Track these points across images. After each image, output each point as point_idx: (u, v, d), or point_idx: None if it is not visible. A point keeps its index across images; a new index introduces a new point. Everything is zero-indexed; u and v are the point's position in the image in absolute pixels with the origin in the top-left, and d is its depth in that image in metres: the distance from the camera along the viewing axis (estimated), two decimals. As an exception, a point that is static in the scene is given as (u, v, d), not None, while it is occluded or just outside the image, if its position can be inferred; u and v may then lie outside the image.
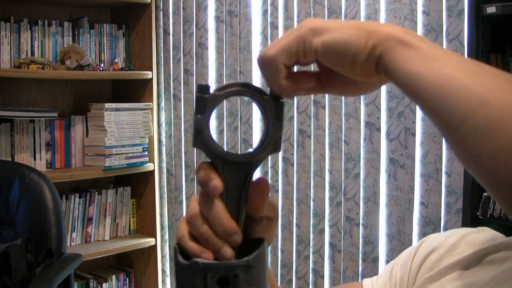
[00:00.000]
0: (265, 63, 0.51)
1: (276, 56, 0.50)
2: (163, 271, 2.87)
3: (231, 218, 0.51)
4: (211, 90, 0.52)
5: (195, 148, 2.66)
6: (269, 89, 0.53)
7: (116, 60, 2.71)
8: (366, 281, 0.81)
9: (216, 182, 0.51)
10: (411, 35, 0.49)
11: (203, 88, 0.52)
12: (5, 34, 2.42)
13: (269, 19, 2.34)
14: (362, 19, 2.04)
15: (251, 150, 0.52)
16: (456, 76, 0.45)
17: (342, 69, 0.51)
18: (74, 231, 2.62)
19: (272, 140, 0.52)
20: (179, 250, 0.52)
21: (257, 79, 2.42)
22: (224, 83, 2.53)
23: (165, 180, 2.82)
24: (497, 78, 0.45)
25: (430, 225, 1.90)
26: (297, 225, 2.27)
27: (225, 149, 0.52)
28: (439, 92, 0.45)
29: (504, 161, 0.42)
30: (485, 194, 1.61)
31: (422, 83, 0.47)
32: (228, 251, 0.51)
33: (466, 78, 0.45)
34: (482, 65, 0.47)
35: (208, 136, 0.51)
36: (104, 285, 2.72)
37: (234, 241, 0.51)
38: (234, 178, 0.52)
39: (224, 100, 0.53)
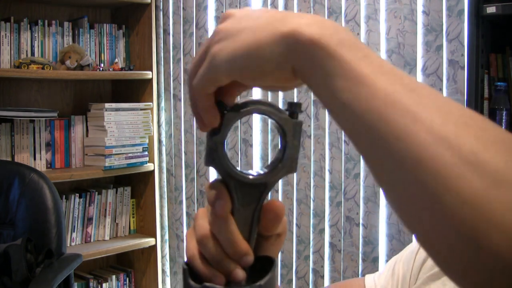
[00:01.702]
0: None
1: (198, 91, 0.47)
2: (163, 271, 2.87)
3: (243, 239, 0.50)
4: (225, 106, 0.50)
5: (195, 148, 2.67)
6: (286, 107, 0.51)
7: (116, 60, 2.71)
8: (368, 278, 0.81)
9: (224, 203, 0.49)
10: (329, 34, 0.40)
11: (218, 106, 0.50)
12: (5, 34, 2.42)
13: (269, 19, 2.33)
14: (362, 19, 2.04)
15: (266, 170, 0.51)
16: (385, 116, 0.37)
17: (255, 82, 0.46)
18: (74, 231, 2.62)
19: (288, 161, 0.50)
20: (190, 270, 0.51)
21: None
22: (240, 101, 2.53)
23: (165, 180, 2.82)
24: (430, 117, 0.36)
25: (430, 225, 1.89)
26: (297, 225, 2.27)
27: (239, 169, 0.50)
28: (367, 136, 0.38)
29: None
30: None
31: (347, 118, 0.39)
32: (240, 274, 0.50)
33: (398, 120, 0.36)
34: (413, 87, 0.38)
35: (222, 156, 0.50)
36: (104, 285, 2.72)
37: (246, 263, 0.50)
38: (246, 199, 0.51)
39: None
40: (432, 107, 0.36)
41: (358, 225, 2.07)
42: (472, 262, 0.34)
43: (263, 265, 0.52)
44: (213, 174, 2.50)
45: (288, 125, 0.50)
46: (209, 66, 0.45)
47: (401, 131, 0.36)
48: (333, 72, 0.39)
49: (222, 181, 0.51)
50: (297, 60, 0.41)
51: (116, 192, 2.80)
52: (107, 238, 2.74)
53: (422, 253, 0.73)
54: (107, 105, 2.60)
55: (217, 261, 0.50)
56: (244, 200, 0.51)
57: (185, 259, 0.53)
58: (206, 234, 0.50)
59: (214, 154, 0.50)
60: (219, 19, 0.48)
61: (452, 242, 0.34)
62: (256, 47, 0.42)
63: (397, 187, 0.37)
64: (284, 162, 0.50)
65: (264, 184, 0.51)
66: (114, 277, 2.77)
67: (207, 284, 0.49)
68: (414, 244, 0.77)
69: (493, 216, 0.32)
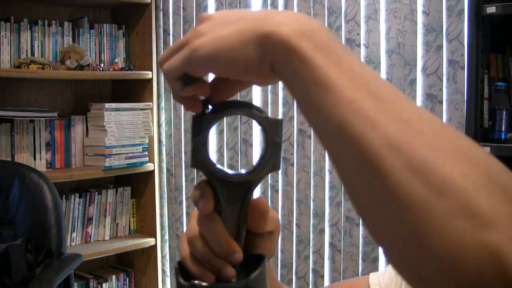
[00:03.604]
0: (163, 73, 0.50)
1: (167, 73, 0.48)
2: (163, 271, 2.87)
3: (230, 238, 0.51)
4: (209, 106, 0.51)
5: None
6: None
7: (116, 60, 2.71)
8: (373, 276, 0.81)
9: (206, 201, 0.50)
10: (306, 37, 0.42)
11: (202, 108, 0.51)
12: (5, 34, 2.42)
13: (269, 19, 2.33)
14: (362, 19, 2.04)
15: (250, 169, 0.51)
16: (347, 122, 0.38)
17: (238, 78, 0.47)
18: (74, 231, 2.62)
19: (270, 159, 0.51)
20: (183, 269, 0.53)
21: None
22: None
23: (165, 180, 2.82)
24: (387, 124, 0.37)
25: (430, 225, 1.89)
26: (297, 225, 2.27)
27: (221, 168, 0.51)
28: (331, 137, 0.40)
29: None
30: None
31: (315, 119, 0.42)
32: (228, 271, 0.51)
33: (357, 126, 0.38)
34: (378, 93, 0.39)
35: (205, 157, 0.50)
36: (104, 285, 2.72)
37: (234, 260, 0.51)
38: (232, 198, 0.52)
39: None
40: (392, 114, 0.38)
41: (358, 225, 2.07)
42: (412, 261, 0.36)
43: (256, 263, 0.52)
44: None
45: (268, 124, 0.51)
46: (188, 56, 0.46)
47: (358, 137, 0.38)
48: (305, 76, 0.41)
49: (206, 182, 0.52)
50: (275, 61, 0.43)
51: (116, 192, 2.80)
52: (107, 238, 2.74)
53: None
54: (107, 105, 2.60)
55: (206, 260, 0.51)
56: (229, 199, 0.52)
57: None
58: (195, 234, 0.52)
59: (197, 155, 0.51)
60: (198, 21, 0.49)
61: (396, 241, 0.37)
62: (240, 46, 0.44)
63: (354, 187, 0.40)
64: (266, 160, 0.51)
65: (248, 182, 0.52)
66: (114, 277, 2.77)
67: (195, 282, 0.51)
68: None
69: (434, 222, 0.34)
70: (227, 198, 0.52)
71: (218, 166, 0.51)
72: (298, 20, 0.43)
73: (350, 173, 0.40)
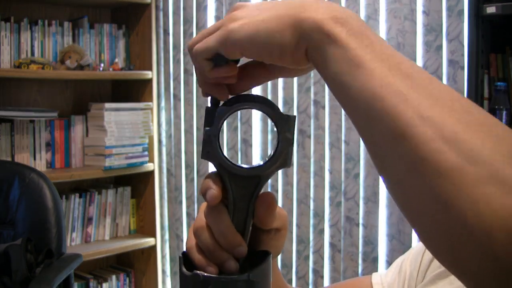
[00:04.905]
0: (191, 56, 0.51)
1: (199, 54, 0.49)
2: (163, 271, 2.87)
3: (236, 231, 0.52)
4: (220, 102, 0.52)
5: (195, 148, 2.67)
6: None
7: (116, 60, 2.71)
8: (375, 275, 0.81)
9: (214, 191, 0.51)
10: (340, 24, 0.44)
11: (216, 101, 0.52)
12: (5, 34, 2.42)
13: (269, 19, 2.33)
14: (362, 18, 2.04)
15: (260, 163, 0.52)
16: (379, 96, 0.40)
17: (271, 62, 0.48)
18: (74, 231, 2.62)
19: (281, 155, 0.51)
20: (187, 260, 0.53)
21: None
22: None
23: (165, 180, 2.82)
24: (419, 99, 0.39)
25: (430, 225, 1.89)
26: (297, 225, 2.27)
27: (231, 161, 0.51)
28: (362, 112, 0.42)
29: (417, 218, 0.40)
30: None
31: (346, 96, 0.43)
32: (232, 264, 0.51)
33: (389, 99, 0.40)
34: (409, 73, 0.41)
35: (216, 148, 0.51)
36: (104, 285, 2.72)
37: (238, 253, 0.52)
38: (241, 191, 0.52)
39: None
40: (423, 91, 0.40)
41: (358, 225, 2.07)
42: (441, 228, 0.37)
43: (261, 259, 0.52)
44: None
45: (281, 120, 0.51)
46: (224, 37, 0.48)
47: (391, 108, 0.40)
48: (339, 58, 0.43)
49: (217, 174, 0.52)
50: (310, 45, 0.45)
51: (116, 192, 2.80)
52: (107, 238, 2.74)
53: None
54: (107, 105, 2.60)
55: (210, 252, 0.52)
56: (238, 193, 0.52)
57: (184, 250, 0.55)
58: (202, 225, 0.52)
59: (208, 147, 0.51)
60: (231, 9, 0.50)
61: (426, 208, 0.38)
62: (277, 30, 0.46)
63: (386, 158, 0.41)
64: (277, 155, 0.51)
65: (257, 177, 0.52)
66: (114, 277, 2.77)
67: (197, 272, 0.51)
68: (421, 243, 0.77)
69: (464, 188, 0.36)
70: (235, 191, 0.52)
71: (229, 158, 0.51)
72: (332, 8, 0.45)
73: (382, 146, 0.41)
